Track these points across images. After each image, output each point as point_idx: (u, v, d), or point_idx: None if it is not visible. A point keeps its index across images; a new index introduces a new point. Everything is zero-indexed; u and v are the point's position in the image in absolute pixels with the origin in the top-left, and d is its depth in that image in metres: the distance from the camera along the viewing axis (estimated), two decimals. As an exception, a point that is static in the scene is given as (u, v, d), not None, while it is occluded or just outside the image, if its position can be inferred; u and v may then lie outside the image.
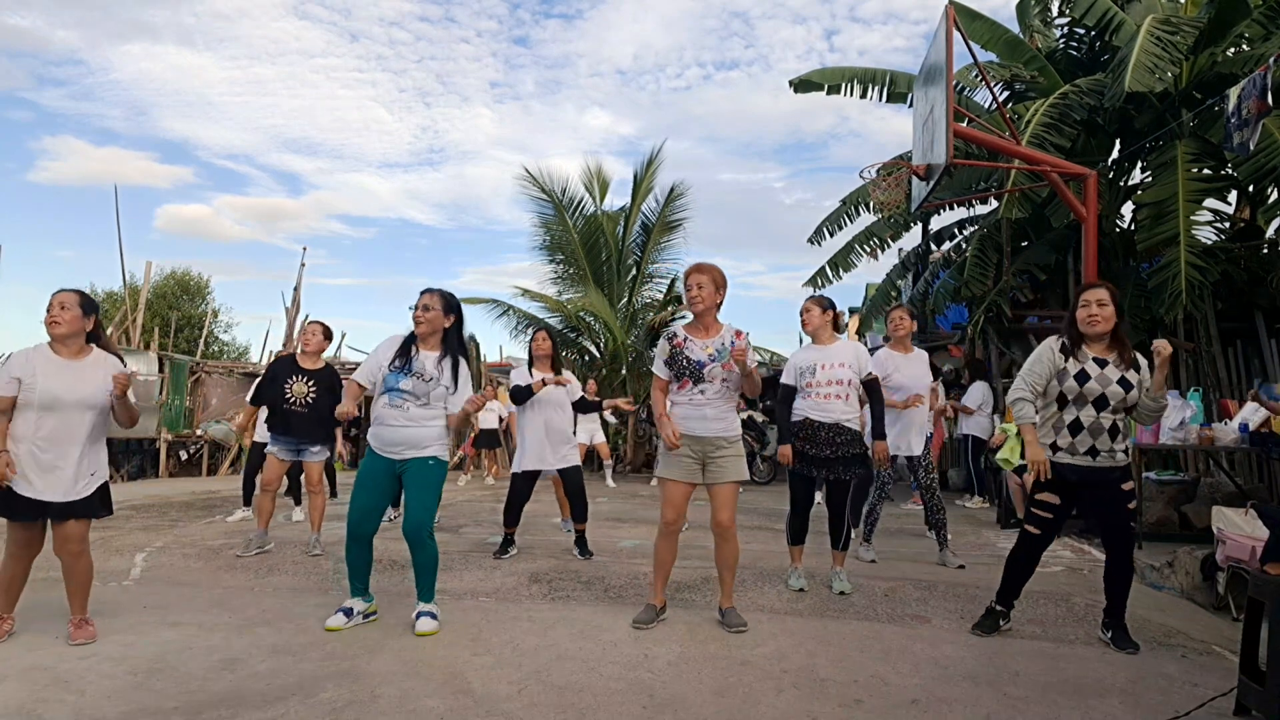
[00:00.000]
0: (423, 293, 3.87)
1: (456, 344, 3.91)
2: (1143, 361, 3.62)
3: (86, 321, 3.51)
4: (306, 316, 5.80)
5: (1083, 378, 3.51)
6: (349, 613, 3.77)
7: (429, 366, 3.79)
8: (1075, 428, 3.53)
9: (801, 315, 4.77)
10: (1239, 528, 4.67)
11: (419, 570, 3.75)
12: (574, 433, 5.94)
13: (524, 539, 6.03)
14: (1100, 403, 3.49)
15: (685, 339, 3.85)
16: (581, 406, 5.83)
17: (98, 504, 3.54)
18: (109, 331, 12.86)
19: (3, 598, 3.48)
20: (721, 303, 3.87)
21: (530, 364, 5.69)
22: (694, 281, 3.81)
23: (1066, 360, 3.57)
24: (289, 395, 5.44)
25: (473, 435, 12.11)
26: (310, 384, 5.47)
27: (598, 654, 3.38)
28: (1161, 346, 3.41)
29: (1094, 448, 3.51)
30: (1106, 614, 3.68)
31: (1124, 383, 3.50)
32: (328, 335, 5.72)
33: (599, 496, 9.78)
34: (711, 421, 3.79)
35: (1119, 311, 3.57)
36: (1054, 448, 3.61)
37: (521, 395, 5.53)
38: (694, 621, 3.90)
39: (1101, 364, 3.53)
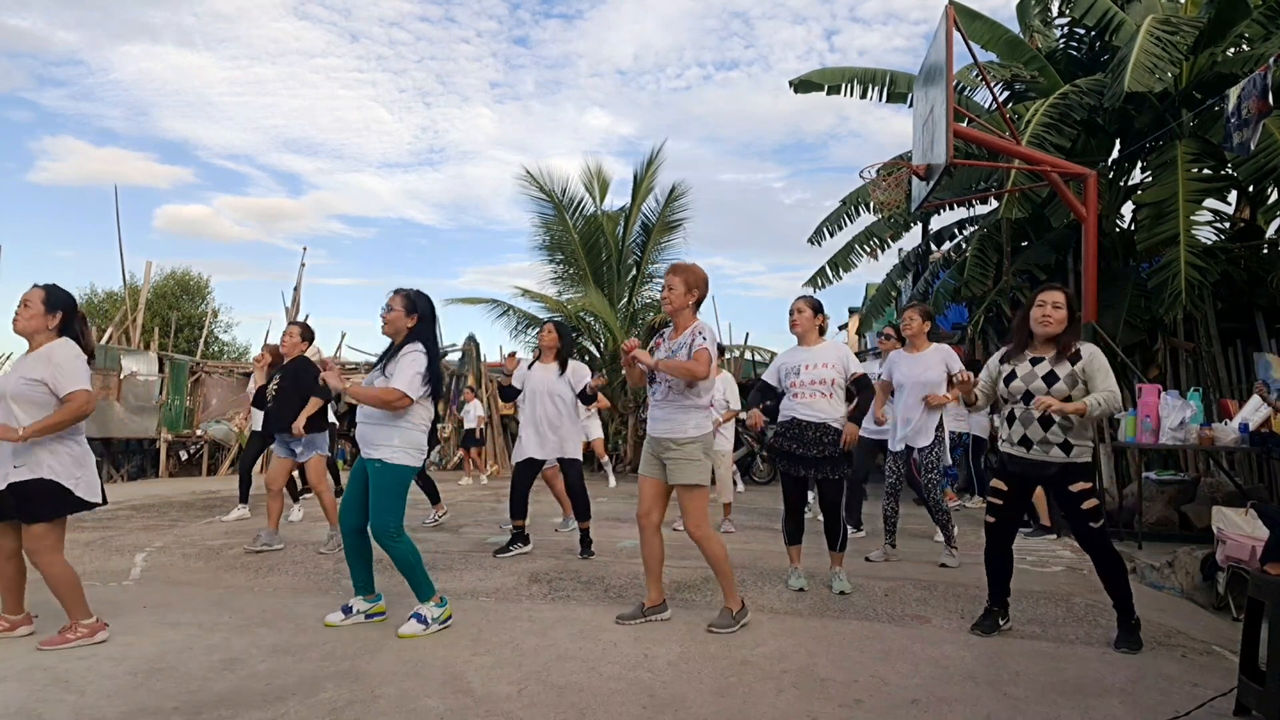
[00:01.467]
0: (389, 294, 3.85)
1: (423, 338, 3.79)
2: (1088, 351, 3.63)
3: (49, 318, 3.40)
4: (306, 316, 5.92)
5: (1010, 378, 3.75)
6: (347, 610, 3.78)
7: (389, 361, 3.80)
8: (1009, 419, 3.77)
9: (791, 315, 4.70)
10: (1239, 528, 4.67)
11: (400, 571, 3.72)
12: (577, 423, 5.90)
13: (524, 539, 6.02)
14: (1027, 398, 3.67)
15: (664, 339, 3.93)
16: (583, 398, 5.83)
17: (25, 504, 3.26)
18: (109, 331, 12.96)
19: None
20: (697, 303, 3.89)
21: (537, 356, 5.76)
22: (666, 283, 3.90)
23: (1003, 364, 3.83)
24: (268, 395, 5.83)
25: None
26: (279, 378, 5.77)
27: (598, 654, 3.38)
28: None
29: (1025, 437, 3.67)
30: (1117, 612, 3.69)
31: (1050, 377, 3.62)
32: (304, 336, 5.96)
33: (599, 496, 9.77)
34: (659, 422, 3.86)
35: (1073, 317, 3.68)
36: (1000, 438, 3.89)
37: (506, 394, 5.82)
38: (694, 621, 3.89)
39: (1035, 362, 3.70)
